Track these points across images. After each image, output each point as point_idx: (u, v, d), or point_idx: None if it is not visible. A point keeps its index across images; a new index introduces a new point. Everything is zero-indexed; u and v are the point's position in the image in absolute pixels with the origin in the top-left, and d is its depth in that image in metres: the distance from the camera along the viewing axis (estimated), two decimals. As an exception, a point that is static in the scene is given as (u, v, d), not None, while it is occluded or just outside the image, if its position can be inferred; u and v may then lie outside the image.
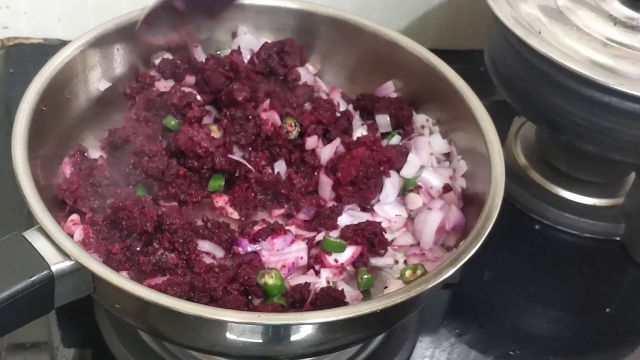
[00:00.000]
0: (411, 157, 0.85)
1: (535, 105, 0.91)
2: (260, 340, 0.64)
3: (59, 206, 0.76)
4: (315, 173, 0.84)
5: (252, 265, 0.73)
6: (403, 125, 0.90)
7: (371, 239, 0.78)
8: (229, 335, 0.63)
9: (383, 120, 0.91)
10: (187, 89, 0.88)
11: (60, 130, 0.81)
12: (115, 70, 0.88)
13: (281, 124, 0.85)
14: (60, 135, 0.81)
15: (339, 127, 0.88)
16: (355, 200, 0.82)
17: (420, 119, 0.90)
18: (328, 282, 0.75)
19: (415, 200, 0.83)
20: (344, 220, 0.81)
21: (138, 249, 0.72)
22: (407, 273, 0.74)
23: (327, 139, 0.87)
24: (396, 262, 0.79)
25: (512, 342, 0.86)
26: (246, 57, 0.93)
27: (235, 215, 0.81)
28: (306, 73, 0.94)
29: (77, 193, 0.76)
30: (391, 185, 0.83)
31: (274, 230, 0.77)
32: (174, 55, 0.92)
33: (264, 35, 0.95)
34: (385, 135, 0.91)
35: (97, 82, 0.86)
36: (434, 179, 0.84)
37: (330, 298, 0.70)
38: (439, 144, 0.87)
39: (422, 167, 0.86)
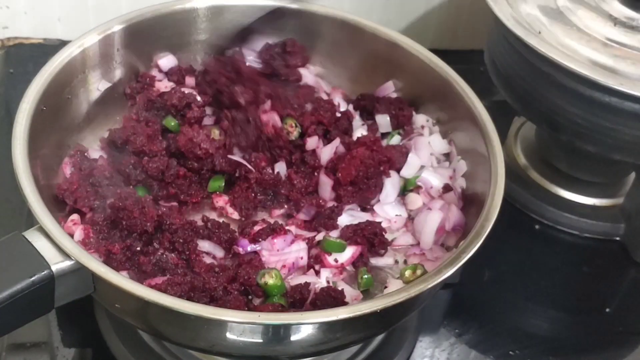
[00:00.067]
0: (411, 157, 0.86)
1: (535, 105, 0.91)
2: (261, 340, 0.64)
3: (59, 206, 0.76)
4: (315, 173, 0.84)
5: (252, 265, 0.73)
6: (403, 126, 0.90)
7: (371, 239, 0.78)
8: (229, 335, 0.63)
9: (383, 120, 0.91)
10: (187, 90, 0.88)
11: (61, 130, 0.81)
12: (115, 71, 0.88)
13: (282, 125, 0.85)
14: (61, 135, 0.81)
15: (339, 127, 0.88)
16: (355, 200, 0.82)
17: (420, 119, 0.90)
18: (328, 282, 0.75)
19: (415, 200, 0.83)
20: (344, 220, 0.81)
21: (138, 248, 0.72)
22: (407, 273, 0.74)
23: (327, 139, 0.87)
24: (396, 262, 0.79)
25: (512, 342, 0.86)
26: (247, 57, 0.93)
27: (235, 215, 0.81)
28: (307, 73, 0.94)
29: (77, 193, 0.76)
30: (391, 185, 0.83)
31: (274, 230, 0.77)
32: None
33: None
34: (385, 135, 0.91)
35: (97, 82, 0.86)
36: (434, 179, 0.84)
37: (330, 298, 0.70)
38: (439, 144, 0.87)
39: (422, 167, 0.86)
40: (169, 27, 0.91)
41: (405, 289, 0.64)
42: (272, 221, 0.79)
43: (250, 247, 0.76)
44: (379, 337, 0.81)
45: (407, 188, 0.85)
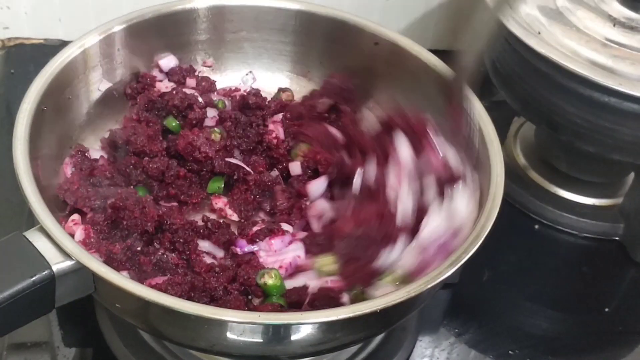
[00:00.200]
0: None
1: (535, 105, 0.91)
2: (261, 340, 0.64)
3: (60, 206, 0.76)
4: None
5: (252, 265, 0.73)
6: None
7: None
8: (229, 335, 0.63)
9: None
10: (188, 91, 0.88)
11: (61, 130, 0.81)
12: (116, 71, 0.88)
13: (285, 139, 0.85)
14: (61, 136, 0.81)
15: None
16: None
17: None
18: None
19: None
20: None
21: (139, 248, 0.72)
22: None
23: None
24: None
25: (511, 341, 0.86)
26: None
27: (234, 217, 0.81)
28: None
29: (77, 193, 0.76)
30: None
31: (272, 231, 0.77)
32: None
33: (264, 35, 0.95)
34: None
35: (98, 83, 0.86)
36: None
37: (328, 298, 0.70)
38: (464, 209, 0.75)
39: None
40: (170, 27, 0.91)
41: (405, 289, 0.64)
42: (269, 221, 0.79)
43: (247, 248, 0.76)
44: (379, 337, 0.81)
45: None
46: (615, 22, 0.89)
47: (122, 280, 0.62)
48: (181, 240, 0.74)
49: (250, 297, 0.72)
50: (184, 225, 0.75)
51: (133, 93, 0.89)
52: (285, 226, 0.79)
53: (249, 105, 0.88)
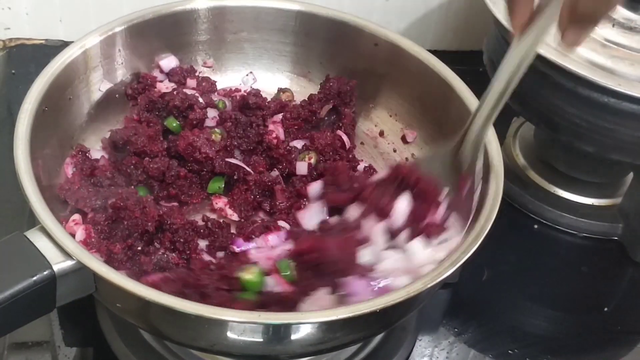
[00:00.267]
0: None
1: (534, 105, 0.91)
2: (261, 340, 0.65)
3: (61, 206, 0.76)
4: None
5: (240, 261, 0.73)
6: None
7: None
8: (229, 335, 0.64)
9: None
10: (189, 91, 0.89)
11: (62, 130, 0.81)
12: (116, 71, 0.89)
13: (284, 140, 0.85)
14: (62, 136, 0.81)
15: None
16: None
17: None
18: None
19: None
20: None
21: (139, 248, 0.73)
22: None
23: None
24: None
25: (511, 341, 0.86)
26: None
27: (234, 216, 0.81)
28: None
29: (78, 193, 0.76)
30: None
31: (268, 228, 0.77)
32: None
33: (264, 35, 0.96)
34: None
35: (99, 83, 0.87)
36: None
37: (282, 303, 0.69)
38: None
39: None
40: (170, 28, 0.91)
41: (404, 288, 0.64)
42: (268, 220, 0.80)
43: (244, 246, 0.76)
44: (379, 337, 0.81)
45: None
46: (614, 22, 0.89)
47: (122, 280, 0.62)
48: (181, 240, 0.74)
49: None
50: (185, 225, 0.75)
51: (134, 93, 0.89)
52: (282, 223, 0.79)
53: (249, 106, 0.89)
